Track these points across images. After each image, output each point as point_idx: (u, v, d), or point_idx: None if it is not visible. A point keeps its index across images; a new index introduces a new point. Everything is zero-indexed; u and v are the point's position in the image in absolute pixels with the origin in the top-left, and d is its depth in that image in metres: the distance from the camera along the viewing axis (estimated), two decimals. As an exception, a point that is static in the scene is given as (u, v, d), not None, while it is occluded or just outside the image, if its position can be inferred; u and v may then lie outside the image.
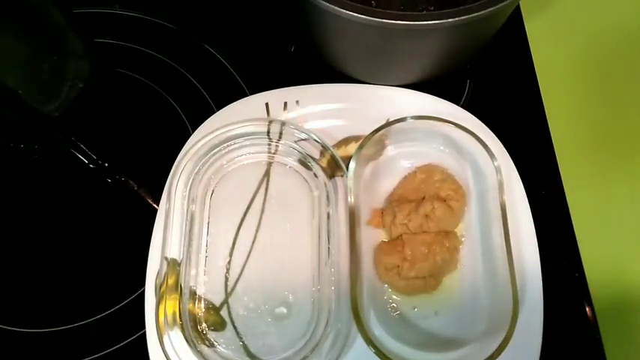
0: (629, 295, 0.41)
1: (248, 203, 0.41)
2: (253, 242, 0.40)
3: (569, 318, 0.40)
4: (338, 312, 0.35)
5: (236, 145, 0.41)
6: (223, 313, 0.37)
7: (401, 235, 0.39)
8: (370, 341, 0.33)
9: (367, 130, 0.40)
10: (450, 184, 0.40)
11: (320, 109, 0.43)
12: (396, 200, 0.40)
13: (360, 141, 0.39)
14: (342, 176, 0.39)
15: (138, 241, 0.40)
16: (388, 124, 0.39)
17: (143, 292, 0.37)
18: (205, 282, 0.38)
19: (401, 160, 0.42)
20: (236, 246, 0.39)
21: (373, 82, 0.44)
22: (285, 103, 0.43)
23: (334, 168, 0.40)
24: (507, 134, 0.42)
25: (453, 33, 0.36)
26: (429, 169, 0.41)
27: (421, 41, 0.38)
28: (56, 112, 0.42)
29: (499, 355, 0.33)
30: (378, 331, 0.36)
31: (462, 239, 0.40)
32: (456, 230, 0.40)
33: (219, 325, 0.37)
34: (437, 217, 0.38)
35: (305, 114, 0.43)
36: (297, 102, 0.43)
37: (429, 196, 0.40)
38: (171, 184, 0.39)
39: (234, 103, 0.43)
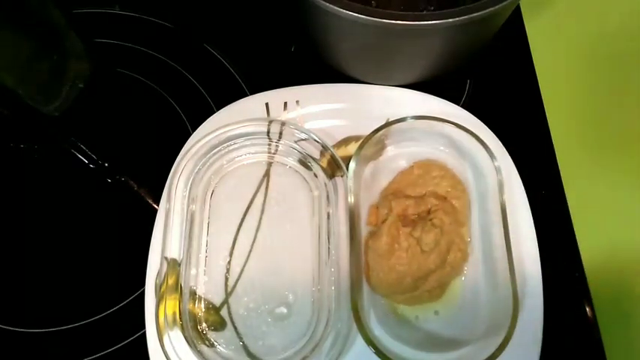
0: (629, 295, 0.41)
1: (248, 203, 0.41)
2: (253, 242, 0.40)
3: (569, 318, 0.40)
4: (338, 312, 0.35)
5: (236, 145, 0.41)
6: (223, 313, 0.37)
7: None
8: (370, 341, 0.33)
9: (367, 130, 0.40)
10: (449, 180, 0.40)
11: (320, 109, 0.43)
12: (392, 194, 0.40)
13: (360, 141, 0.39)
14: (342, 176, 0.39)
15: (138, 241, 0.40)
16: (388, 124, 0.39)
17: (143, 292, 0.37)
18: (205, 282, 0.38)
19: (401, 160, 0.42)
20: (236, 246, 0.39)
21: (373, 82, 0.44)
22: (285, 103, 0.43)
23: (334, 168, 0.40)
24: (507, 134, 0.42)
25: (453, 33, 0.36)
26: (426, 165, 0.41)
27: (421, 41, 0.38)
28: (56, 112, 0.42)
29: (499, 355, 0.33)
30: (378, 331, 0.36)
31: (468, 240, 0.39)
32: (462, 231, 0.39)
33: (219, 325, 0.37)
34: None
35: (305, 114, 0.43)
36: (297, 102, 0.43)
37: (428, 193, 0.39)
38: (171, 184, 0.39)
39: (234, 103, 0.43)
